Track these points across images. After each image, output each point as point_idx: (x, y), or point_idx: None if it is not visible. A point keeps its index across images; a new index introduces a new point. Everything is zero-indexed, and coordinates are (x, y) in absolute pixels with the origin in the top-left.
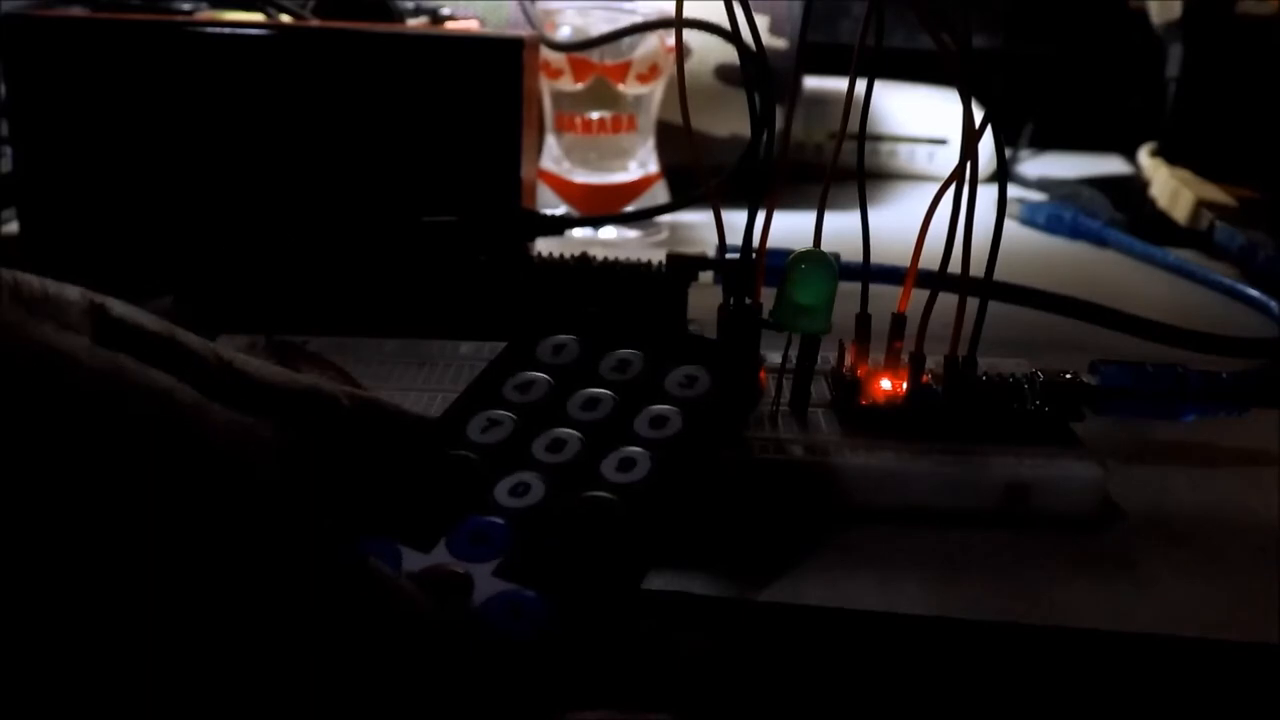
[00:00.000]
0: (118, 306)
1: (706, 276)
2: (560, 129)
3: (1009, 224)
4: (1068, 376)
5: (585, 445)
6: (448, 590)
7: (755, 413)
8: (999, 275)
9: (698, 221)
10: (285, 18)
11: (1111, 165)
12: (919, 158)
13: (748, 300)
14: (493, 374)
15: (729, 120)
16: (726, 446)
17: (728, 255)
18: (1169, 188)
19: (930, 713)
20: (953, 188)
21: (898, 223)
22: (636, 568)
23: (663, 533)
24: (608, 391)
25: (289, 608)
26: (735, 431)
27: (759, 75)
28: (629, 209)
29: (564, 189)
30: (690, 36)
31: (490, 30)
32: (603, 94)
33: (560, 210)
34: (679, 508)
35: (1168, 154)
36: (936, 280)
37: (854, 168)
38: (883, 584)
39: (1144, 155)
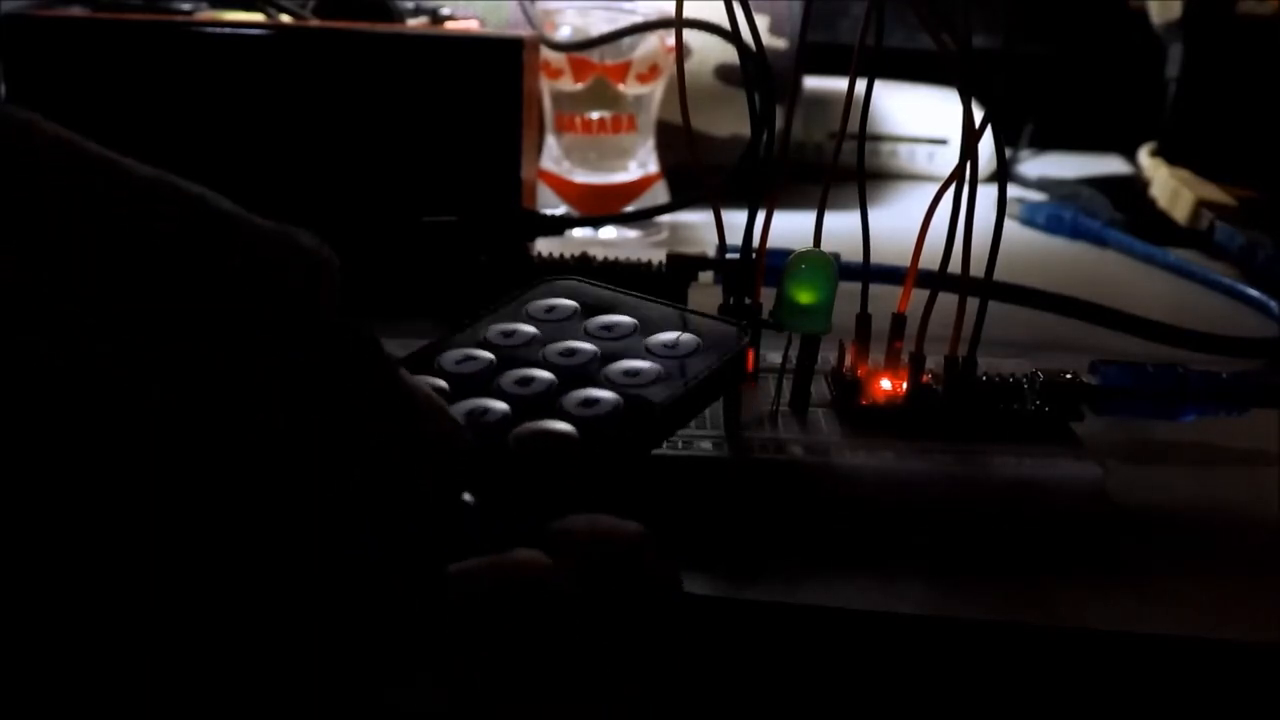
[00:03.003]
0: None
1: (706, 276)
2: (560, 129)
3: (1009, 224)
4: (1068, 376)
5: (554, 385)
6: None
7: (745, 385)
8: (999, 275)
9: (698, 221)
10: (285, 18)
11: (1111, 165)
12: (919, 158)
13: (748, 300)
14: (481, 319)
15: (729, 120)
16: (702, 407)
17: (728, 255)
18: (1169, 188)
19: (930, 713)
20: (953, 188)
21: (898, 223)
22: (577, 497)
23: (612, 471)
24: (590, 345)
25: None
26: (714, 396)
27: (759, 75)
28: (629, 209)
29: (564, 189)
30: (690, 36)
31: (490, 30)
32: (603, 94)
33: (560, 210)
34: (636, 449)
35: (1168, 154)
36: (936, 280)
37: (854, 168)
38: (883, 584)
39: (1144, 155)
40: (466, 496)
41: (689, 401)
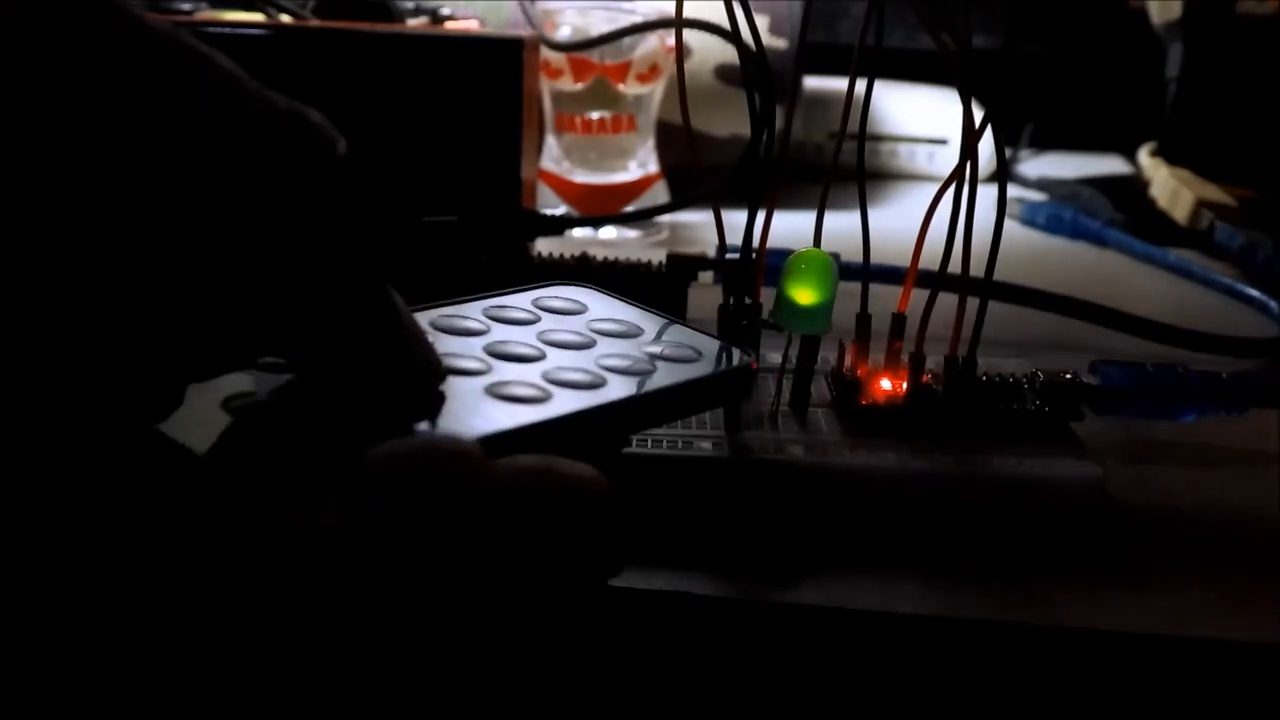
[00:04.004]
0: None
1: (706, 276)
2: (560, 129)
3: (1009, 224)
4: (1068, 376)
5: (533, 356)
6: None
7: (748, 406)
8: (999, 275)
9: (698, 221)
10: (285, 18)
11: (1111, 165)
12: (919, 158)
13: (748, 300)
14: (482, 297)
15: (729, 120)
16: (684, 413)
17: (728, 255)
18: (1169, 188)
19: (930, 713)
20: (953, 188)
21: (898, 223)
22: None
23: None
24: (580, 336)
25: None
26: (702, 406)
27: (759, 75)
28: (629, 209)
29: (564, 189)
30: (690, 36)
31: (490, 30)
32: (603, 94)
33: (560, 210)
34: (599, 432)
35: (1168, 154)
36: (936, 280)
37: (854, 168)
38: (883, 584)
39: (1144, 155)
40: (423, 426)
41: (664, 401)
